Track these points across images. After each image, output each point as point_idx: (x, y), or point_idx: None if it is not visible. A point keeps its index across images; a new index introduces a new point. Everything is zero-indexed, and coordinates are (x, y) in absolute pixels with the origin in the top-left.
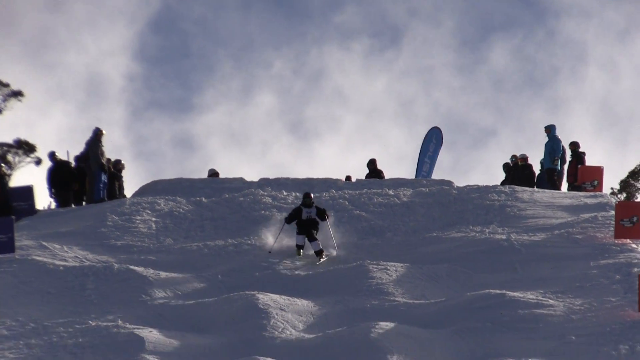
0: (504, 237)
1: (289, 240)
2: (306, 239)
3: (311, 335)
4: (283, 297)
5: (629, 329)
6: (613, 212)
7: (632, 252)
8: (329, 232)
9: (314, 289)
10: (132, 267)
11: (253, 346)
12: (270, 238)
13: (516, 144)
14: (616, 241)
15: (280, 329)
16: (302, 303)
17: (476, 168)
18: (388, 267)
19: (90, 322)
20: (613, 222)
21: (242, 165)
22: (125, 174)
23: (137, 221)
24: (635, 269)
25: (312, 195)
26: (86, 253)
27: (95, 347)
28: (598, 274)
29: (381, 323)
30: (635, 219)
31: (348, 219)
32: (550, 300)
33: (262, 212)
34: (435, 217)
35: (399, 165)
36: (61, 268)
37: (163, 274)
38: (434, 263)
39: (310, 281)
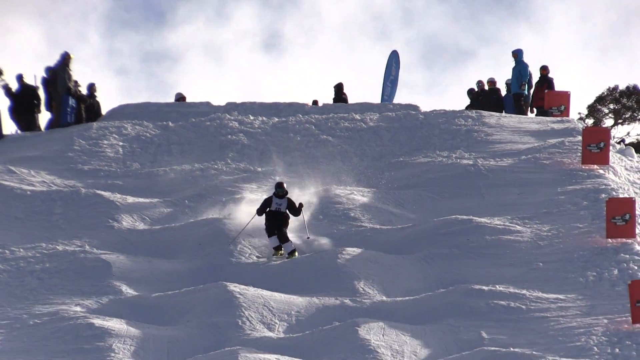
0: (470, 162)
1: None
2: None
3: (278, 261)
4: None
5: (597, 256)
6: (580, 138)
7: (599, 178)
8: (303, 223)
9: None
10: (99, 191)
11: (220, 272)
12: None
13: (497, 62)
14: (583, 167)
15: (247, 255)
16: None
17: (453, 86)
18: (355, 192)
19: (57, 247)
20: (580, 148)
21: (215, 83)
22: (99, 94)
23: (104, 145)
24: (603, 195)
25: (284, 185)
26: (53, 178)
27: (62, 273)
28: (565, 200)
29: (348, 249)
30: (602, 144)
31: (315, 143)
32: (517, 226)
33: (229, 136)
34: (402, 142)
35: (372, 86)
36: (28, 193)
37: (130, 199)
38: (400, 188)
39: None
